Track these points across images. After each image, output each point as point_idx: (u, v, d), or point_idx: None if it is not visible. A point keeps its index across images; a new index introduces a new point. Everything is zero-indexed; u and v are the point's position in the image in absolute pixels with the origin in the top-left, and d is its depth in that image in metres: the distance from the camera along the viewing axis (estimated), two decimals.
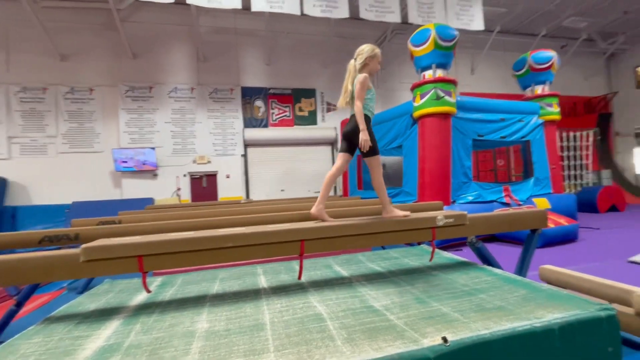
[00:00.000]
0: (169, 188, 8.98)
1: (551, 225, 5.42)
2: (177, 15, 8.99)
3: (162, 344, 1.24)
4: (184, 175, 9.09)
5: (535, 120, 7.01)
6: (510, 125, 6.69)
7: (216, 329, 1.35)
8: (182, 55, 9.29)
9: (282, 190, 9.94)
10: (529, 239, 2.27)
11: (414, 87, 6.08)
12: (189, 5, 7.32)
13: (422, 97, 5.87)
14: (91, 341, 1.30)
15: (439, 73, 5.95)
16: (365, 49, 2.22)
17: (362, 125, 2.01)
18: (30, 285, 2.36)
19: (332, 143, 10.47)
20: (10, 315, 2.34)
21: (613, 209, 9.84)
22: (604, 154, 13.24)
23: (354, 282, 1.91)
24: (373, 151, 2.06)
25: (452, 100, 5.83)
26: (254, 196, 9.63)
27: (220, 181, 9.38)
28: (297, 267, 1.94)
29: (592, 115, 13.54)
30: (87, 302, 1.81)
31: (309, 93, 10.31)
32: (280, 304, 1.60)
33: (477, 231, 2.09)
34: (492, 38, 11.15)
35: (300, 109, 10.24)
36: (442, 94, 5.73)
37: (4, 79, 8.07)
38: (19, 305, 2.41)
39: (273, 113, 9.97)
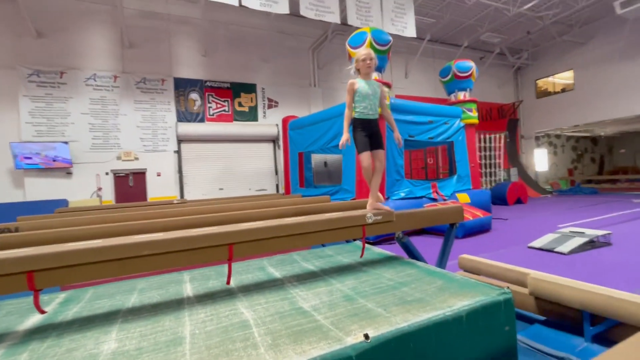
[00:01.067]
0: (87, 188, 7.95)
1: (470, 217, 6.07)
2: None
3: None
4: (106, 174, 8.13)
5: (458, 123, 7.77)
6: (437, 127, 7.30)
7: (125, 349, 1.21)
8: (102, 38, 8.26)
9: (220, 189, 9.50)
10: (447, 233, 2.49)
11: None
12: None
13: None
14: None
15: (375, 76, 6.22)
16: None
17: (344, 128, 2.41)
18: None
19: (273, 140, 10.31)
20: None
21: (519, 201, 11.43)
22: (513, 154, 15.29)
23: (286, 283, 1.88)
24: (358, 149, 2.39)
25: (386, 102, 6.14)
26: (189, 195, 9.04)
27: (150, 180, 8.60)
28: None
29: (503, 120, 15.52)
30: None
31: (249, 88, 10.00)
32: (204, 314, 1.50)
33: (402, 227, 2.22)
34: (423, 45, 12.05)
35: (240, 104, 9.88)
36: None
37: None
38: None
39: (210, 107, 9.45)
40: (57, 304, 1.78)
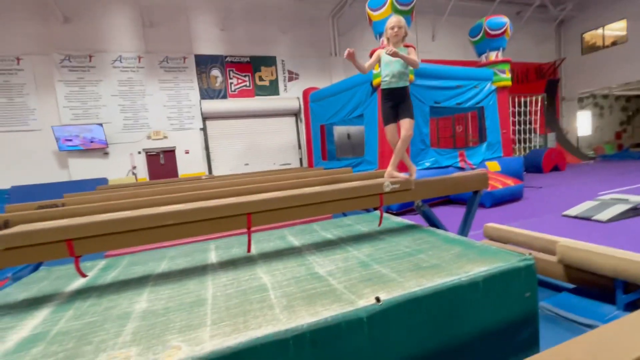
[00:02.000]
0: (123, 167, 8.44)
1: (499, 186, 5.82)
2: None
3: (93, 329, 1.19)
4: (139, 153, 8.56)
5: (489, 86, 7.27)
6: (465, 92, 6.89)
7: (154, 308, 1.32)
8: (123, 19, 8.38)
9: (246, 165, 9.73)
10: (470, 200, 2.41)
11: (373, 54, 5.99)
12: None
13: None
14: (15, 332, 1.22)
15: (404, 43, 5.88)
16: None
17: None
18: None
19: (295, 114, 10.25)
20: None
21: (556, 168, 10.75)
22: (551, 118, 14.20)
23: (304, 251, 1.93)
24: (383, 121, 2.41)
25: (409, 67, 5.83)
26: (217, 171, 9.35)
27: (180, 157, 8.96)
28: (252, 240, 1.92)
29: (542, 81, 14.30)
30: (17, 292, 1.69)
31: (269, 61, 9.85)
32: (226, 278, 1.59)
33: (422, 195, 2.18)
34: (452, 3, 11.13)
35: (261, 78, 9.81)
36: None
37: None
38: None
39: (232, 83, 9.48)
40: (98, 269, 1.96)
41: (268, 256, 1.89)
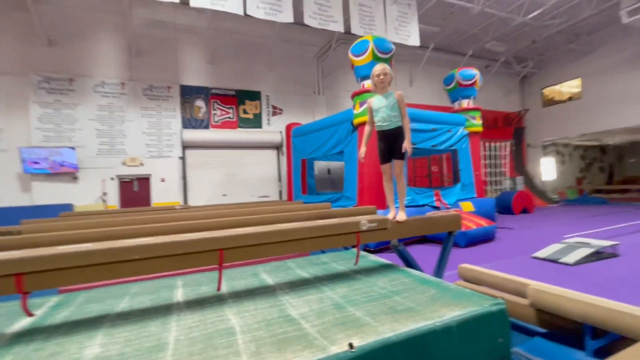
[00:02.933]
0: (93, 192, 8.05)
1: (473, 226, 5.98)
2: (105, 3, 8.19)
3: None
4: (112, 179, 8.24)
5: (461, 131, 7.73)
6: (440, 134, 7.28)
7: (108, 354, 1.20)
8: (111, 47, 8.46)
9: (224, 195, 9.54)
10: (445, 241, 2.45)
11: (354, 96, 6.30)
12: None
13: (361, 105, 6.10)
14: None
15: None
16: None
17: (362, 143, 2.69)
18: None
19: (277, 147, 10.36)
20: None
21: (525, 211, 11.25)
22: (519, 163, 15.12)
23: (277, 290, 1.86)
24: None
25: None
26: (193, 201, 9.09)
27: (155, 185, 8.68)
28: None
29: (509, 128, 15.40)
30: None
31: (254, 95, 10.10)
32: (192, 319, 1.49)
33: (398, 234, 2.19)
34: (427, 54, 12.09)
35: (245, 111, 9.98)
36: None
37: None
38: None
39: (215, 114, 9.56)
40: (48, 307, 1.78)
41: (239, 295, 1.80)
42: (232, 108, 9.81)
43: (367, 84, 6.26)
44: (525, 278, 2.58)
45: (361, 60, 6.25)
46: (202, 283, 2.08)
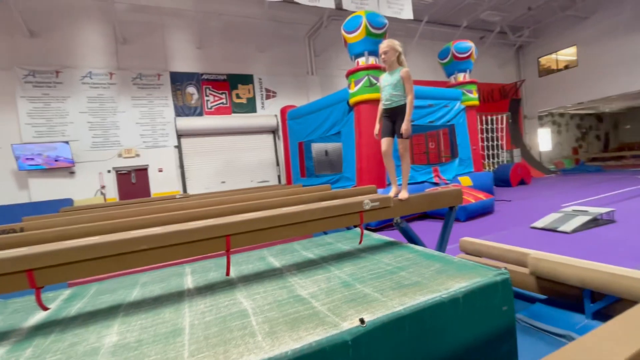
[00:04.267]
0: (91, 186, 8.01)
1: (472, 200, 6.05)
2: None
3: None
4: (109, 172, 8.18)
5: (458, 105, 7.66)
6: (437, 110, 7.21)
7: (126, 342, 1.23)
8: (95, 35, 8.18)
9: (222, 182, 9.53)
10: (447, 216, 2.48)
11: (349, 74, 6.19)
12: None
13: (356, 84, 6.01)
14: None
15: (372, 60, 6.13)
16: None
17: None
18: None
19: (273, 131, 10.26)
20: None
21: (522, 182, 11.35)
22: (515, 135, 15.11)
23: (285, 272, 1.89)
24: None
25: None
26: (192, 190, 9.08)
27: (152, 176, 8.64)
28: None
29: (505, 100, 15.28)
30: None
31: (246, 79, 9.90)
32: (204, 305, 1.52)
33: (400, 212, 2.22)
34: (421, 27, 11.79)
35: (238, 96, 9.80)
36: (374, 81, 5.92)
37: None
38: None
39: (208, 100, 9.39)
40: (62, 300, 1.81)
41: (248, 279, 1.84)
42: (224, 93, 9.63)
43: (362, 61, 6.14)
44: (525, 248, 2.65)
45: (354, 37, 6.10)
46: (210, 269, 2.11)
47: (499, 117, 12.49)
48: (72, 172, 7.80)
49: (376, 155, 6.08)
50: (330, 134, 6.99)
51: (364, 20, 5.88)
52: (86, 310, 1.62)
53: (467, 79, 8.00)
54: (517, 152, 14.48)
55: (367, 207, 2.07)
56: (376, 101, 6.05)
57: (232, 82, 9.71)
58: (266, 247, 2.64)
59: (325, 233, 3.53)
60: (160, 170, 8.70)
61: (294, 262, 2.10)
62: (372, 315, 1.23)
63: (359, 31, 5.97)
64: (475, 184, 7.14)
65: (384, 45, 2.37)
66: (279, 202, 2.43)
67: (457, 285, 1.44)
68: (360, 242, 2.27)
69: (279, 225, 1.83)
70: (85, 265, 1.44)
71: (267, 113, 10.13)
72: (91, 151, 8.03)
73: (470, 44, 7.91)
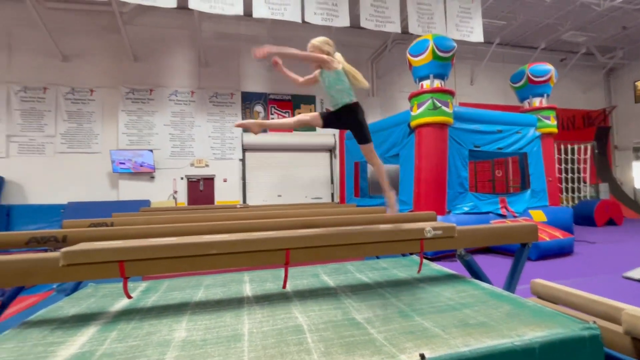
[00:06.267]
0: (166, 190, 8.96)
1: (546, 238, 5.39)
2: (180, 20, 9.07)
3: (135, 353, 1.21)
4: (181, 178, 9.08)
5: (532, 132, 7.04)
6: (507, 136, 6.71)
7: (193, 339, 1.33)
8: (183, 59, 9.36)
9: (279, 196, 9.92)
10: (518, 253, 2.25)
11: (412, 97, 6.11)
12: (191, 10, 7.39)
13: (419, 106, 5.90)
14: (64, 348, 1.27)
15: (437, 83, 5.99)
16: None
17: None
18: (15, 287, 2.33)
19: (330, 150, 10.48)
20: None
21: (611, 222, 9.81)
22: (602, 167, 13.25)
23: (339, 292, 1.88)
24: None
25: (448, 110, 5.86)
26: (250, 201, 9.61)
27: (218, 185, 9.37)
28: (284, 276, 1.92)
29: (590, 128, 13.60)
30: (68, 306, 1.78)
31: (309, 99, 10.36)
32: (261, 314, 1.58)
33: (465, 244, 2.08)
34: (491, 50, 11.25)
35: None
36: (439, 104, 5.76)
37: (4, 77, 8.12)
38: (4, 306, 2.38)
39: (272, 118, 10.00)
40: (140, 292, 2.03)
41: (302, 295, 1.86)
42: (287, 112, 10.17)
43: (426, 84, 6.03)
44: (617, 301, 2.26)
45: (420, 60, 6.05)
46: (267, 280, 2.19)
47: (582, 146, 11.12)
48: (152, 177, 8.83)
49: (436, 179, 5.83)
50: (389, 155, 6.91)
51: (431, 44, 5.81)
52: (159, 303, 1.79)
53: (544, 104, 7.34)
54: (604, 187, 12.64)
55: (428, 235, 1.98)
56: (439, 125, 5.86)
57: (295, 102, 10.25)
58: (319, 264, 2.66)
59: (378, 257, 3.44)
60: (225, 181, 9.40)
61: (348, 283, 2.07)
62: (433, 352, 1.15)
63: (425, 54, 5.91)
64: (550, 219, 6.38)
65: (308, 46, 2.15)
66: (337, 221, 2.45)
67: (532, 333, 1.29)
68: (418, 271, 2.17)
69: (337, 244, 1.84)
70: (165, 262, 1.60)
71: (326, 132, 10.41)
72: (169, 159, 9.03)
73: (549, 67, 7.30)
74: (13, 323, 2.27)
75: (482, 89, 12.26)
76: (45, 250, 2.79)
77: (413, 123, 6.04)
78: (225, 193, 9.39)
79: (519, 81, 7.63)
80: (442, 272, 2.24)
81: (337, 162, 10.25)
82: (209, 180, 9.34)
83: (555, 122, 7.26)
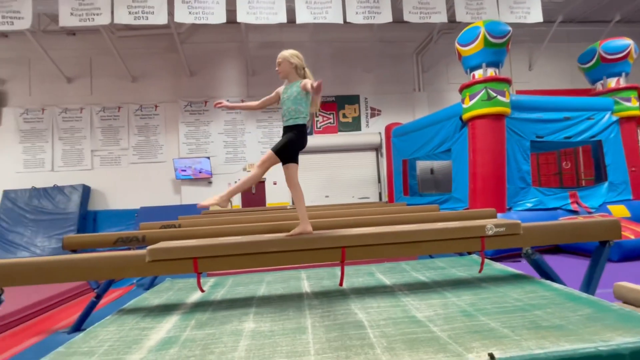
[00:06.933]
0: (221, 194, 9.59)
1: (631, 236, 4.75)
2: (228, 34, 9.65)
3: (213, 340, 1.35)
4: (235, 182, 9.63)
5: (608, 117, 6.24)
6: (576, 124, 6.04)
7: (261, 330, 1.43)
8: (232, 70, 9.94)
9: (326, 197, 10.04)
10: (597, 252, 2.04)
11: (463, 88, 5.80)
12: (239, 23, 7.83)
13: (471, 98, 5.58)
14: (155, 333, 1.46)
15: (490, 72, 5.61)
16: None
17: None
18: (107, 280, 2.70)
19: (376, 148, 10.34)
20: (92, 306, 2.70)
21: None
22: None
23: (397, 291, 1.88)
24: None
25: (505, 100, 5.45)
26: None
27: (268, 188, 9.77)
28: (340, 274, 1.96)
29: None
30: (152, 298, 2.03)
31: (353, 99, 10.34)
32: (321, 309, 1.64)
33: (532, 242, 1.94)
34: (553, 29, 10.18)
35: (344, 116, 10.30)
36: (493, 94, 5.38)
37: (88, 100, 9.36)
38: (99, 297, 2.78)
39: (317, 121, 10.17)
40: (209, 286, 2.23)
41: (359, 292, 1.89)
42: (332, 114, 10.27)
43: (479, 74, 5.68)
44: None
45: (470, 49, 5.72)
46: (323, 277, 2.26)
47: None
48: (210, 182, 9.51)
49: (494, 174, 5.46)
50: (439, 151, 6.62)
51: (482, 31, 5.46)
52: (227, 297, 1.95)
53: (622, 84, 6.46)
54: None
55: (490, 233, 1.88)
56: (495, 116, 5.48)
57: (339, 102, 10.30)
58: (373, 263, 2.67)
59: (432, 257, 3.33)
60: (275, 184, 9.77)
61: (405, 282, 2.06)
62: (503, 353, 1.11)
63: (476, 43, 5.58)
64: (635, 215, 5.59)
65: (278, 57, 2.12)
66: (391, 220, 2.44)
67: (620, 339, 1.17)
68: (480, 271, 2.07)
69: (393, 242, 1.84)
70: (232, 259, 1.75)
71: (371, 131, 10.30)
72: (224, 165, 9.64)
73: (626, 41, 6.41)
74: (106, 311, 2.62)
75: (543, 74, 11.15)
76: (129, 249, 3.18)
77: (465, 116, 5.72)
78: (275, 195, 9.75)
79: (588, 61, 6.81)
80: (506, 272, 2.12)
81: (383, 161, 10.08)
82: (261, 184, 9.78)
83: (637, 104, 6.34)
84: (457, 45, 6.00)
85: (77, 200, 8.49)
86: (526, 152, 5.73)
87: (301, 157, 9.07)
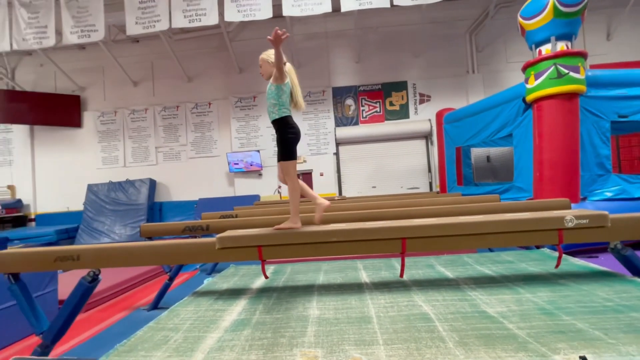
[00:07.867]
0: (271, 186, 9.94)
1: None
2: (274, 28, 9.84)
3: (282, 325, 1.41)
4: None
5: None
6: None
7: (326, 317, 1.47)
8: None
9: (373, 187, 9.89)
10: None
11: (527, 67, 5.26)
12: (284, 17, 7.92)
13: (537, 77, 5.04)
14: (227, 314, 1.57)
15: (561, 46, 5.00)
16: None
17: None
18: (177, 265, 2.97)
19: (426, 136, 9.89)
20: (165, 287, 3.00)
21: None
22: None
23: (461, 284, 1.80)
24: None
25: (579, 76, 4.84)
26: (345, 193, 9.85)
27: (315, 179, 9.90)
28: (397, 265, 1.93)
29: None
30: (220, 282, 2.18)
31: (400, 86, 9.95)
32: (384, 300, 1.63)
33: (622, 235, 1.72)
34: None
35: (391, 103, 9.98)
36: (565, 71, 4.81)
37: (151, 101, 10.24)
38: (171, 280, 3.07)
39: (363, 110, 9.99)
40: (270, 273, 2.33)
41: (422, 284, 1.85)
42: (378, 102, 10.00)
43: (546, 49, 5.10)
44: None
45: (536, 22, 5.14)
46: (380, 268, 2.25)
47: None
48: (260, 175, 9.90)
49: (565, 161, 4.92)
50: (498, 137, 6.13)
51: (552, 0, 4.87)
52: (289, 284, 2.03)
53: None
54: None
55: (569, 225, 1.71)
56: (567, 95, 4.90)
57: (385, 90, 9.99)
58: (432, 255, 2.58)
59: (491, 250, 3.12)
60: (322, 175, 9.87)
61: (469, 275, 1.96)
62: (598, 357, 1.01)
63: (543, 14, 4.99)
64: None
65: (259, 60, 2.25)
66: (450, 211, 2.33)
67: None
68: (557, 266, 1.89)
69: (456, 234, 1.76)
70: (293, 248, 1.80)
71: (420, 118, 9.86)
72: (273, 158, 9.95)
73: None
74: (177, 292, 2.88)
75: (626, 44, 9.66)
76: (193, 236, 3.45)
77: (529, 97, 5.20)
78: (323, 186, 9.85)
79: None
80: (588, 268, 1.91)
81: (434, 149, 9.61)
82: (307, 175, 9.95)
83: None
84: (519, 18, 5.44)
85: (146, 193, 9.43)
86: (605, 134, 5.07)
87: (348, 148, 9.14)
